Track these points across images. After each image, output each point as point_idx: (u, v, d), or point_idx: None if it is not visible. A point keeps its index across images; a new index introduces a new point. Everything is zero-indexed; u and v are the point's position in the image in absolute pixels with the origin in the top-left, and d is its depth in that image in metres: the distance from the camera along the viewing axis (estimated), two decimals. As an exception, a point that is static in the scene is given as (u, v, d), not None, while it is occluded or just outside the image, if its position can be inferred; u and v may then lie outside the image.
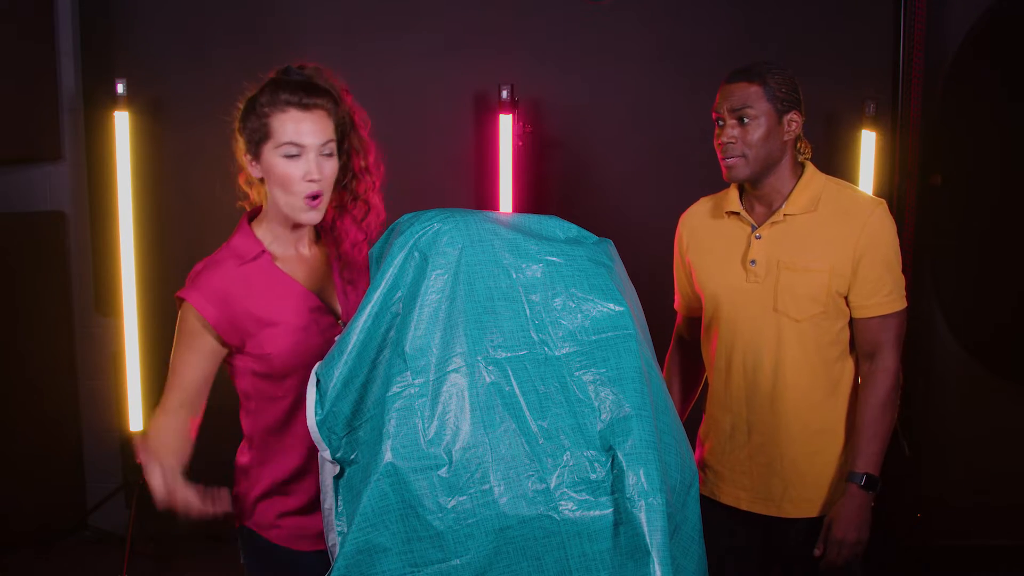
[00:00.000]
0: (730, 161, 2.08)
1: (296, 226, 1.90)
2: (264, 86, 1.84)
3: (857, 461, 2.07)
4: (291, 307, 1.87)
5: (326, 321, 1.90)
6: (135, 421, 3.70)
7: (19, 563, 3.69)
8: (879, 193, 3.44)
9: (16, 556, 3.72)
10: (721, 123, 2.10)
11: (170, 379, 1.87)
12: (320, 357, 1.78)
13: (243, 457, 1.98)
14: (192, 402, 1.89)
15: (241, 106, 1.87)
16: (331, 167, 1.84)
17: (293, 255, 1.93)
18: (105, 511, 3.86)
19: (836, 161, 3.47)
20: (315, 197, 1.81)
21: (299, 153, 1.80)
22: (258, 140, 1.82)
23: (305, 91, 1.82)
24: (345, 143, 1.89)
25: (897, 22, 3.50)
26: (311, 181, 1.80)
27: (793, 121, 2.09)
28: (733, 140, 2.07)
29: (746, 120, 2.06)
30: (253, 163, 1.85)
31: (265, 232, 1.91)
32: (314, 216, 1.83)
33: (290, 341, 1.85)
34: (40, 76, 3.69)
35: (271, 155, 1.81)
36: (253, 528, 1.95)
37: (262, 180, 1.87)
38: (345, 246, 1.95)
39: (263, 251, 1.88)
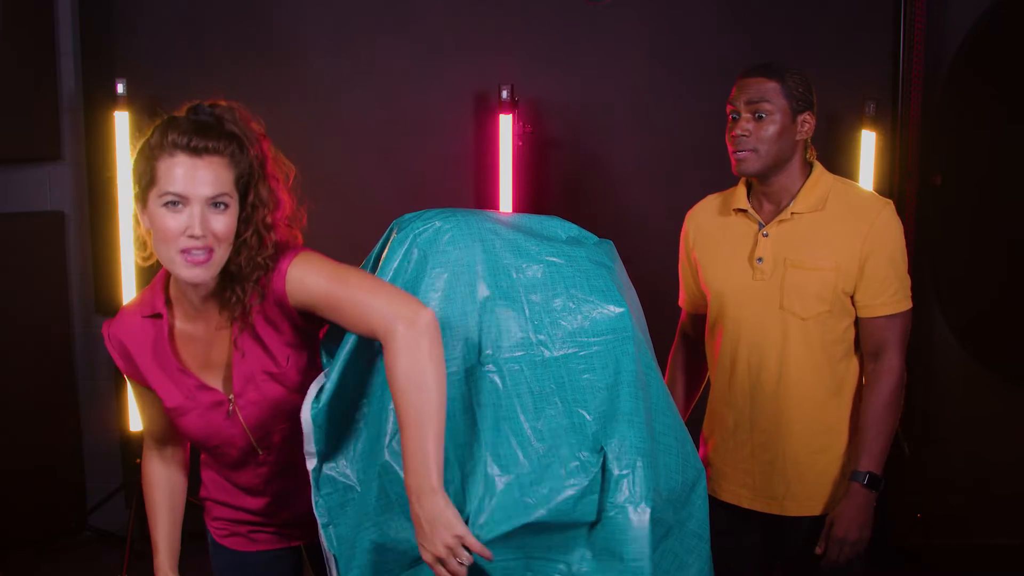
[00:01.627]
0: (741, 154, 2.08)
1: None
2: (156, 126, 1.62)
3: (860, 460, 2.07)
4: (171, 383, 1.73)
5: (208, 399, 1.73)
6: (135, 421, 3.70)
7: (19, 563, 3.69)
8: (879, 193, 3.44)
9: (16, 556, 3.71)
10: (736, 116, 2.10)
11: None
12: (203, 431, 1.75)
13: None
14: (167, 438, 1.90)
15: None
16: (223, 223, 1.58)
17: (193, 314, 1.72)
18: (105, 511, 3.86)
19: (836, 161, 3.47)
20: (199, 253, 1.57)
21: (182, 204, 1.56)
22: (144, 186, 1.60)
23: (198, 133, 1.58)
24: (250, 195, 1.63)
25: (897, 22, 3.50)
26: (191, 237, 1.55)
27: (806, 122, 2.10)
28: (747, 133, 2.07)
29: (762, 115, 2.06)
30: (142, 211, 1.62)
31: (175, 285, 1.72)
32: (197, 274, 1.58)
33: (171, 410, 1.75)
34: (40, 76, 3.69)
35: (154, 204, 1.58)
36: (205, 519, 1.99)
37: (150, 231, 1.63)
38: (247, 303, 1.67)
39: (161, 314, 1.71)
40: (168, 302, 1.73)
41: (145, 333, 1.73)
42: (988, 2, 3.50)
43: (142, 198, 1.61)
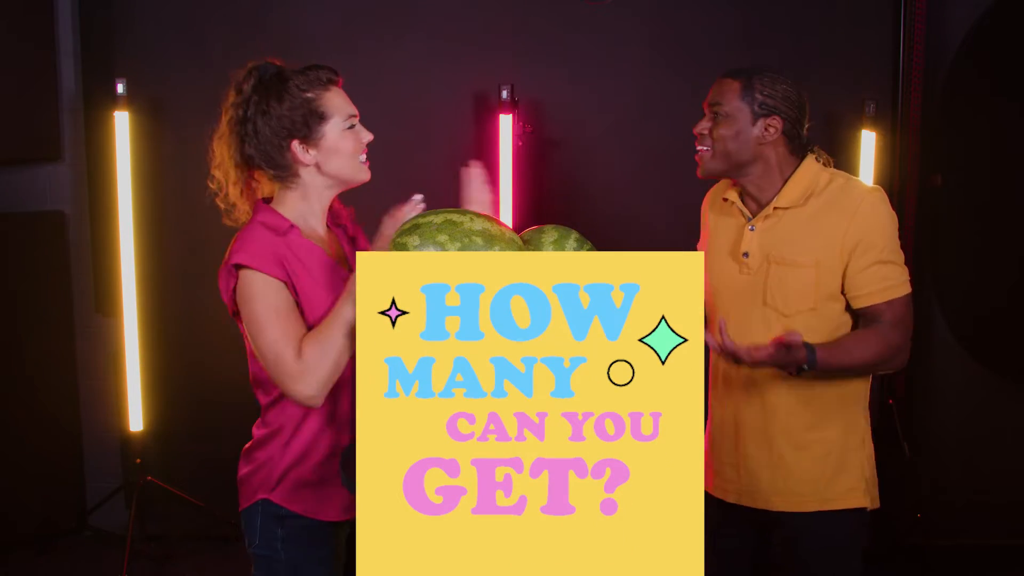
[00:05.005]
0: (698, 153, 2.13)
1: (339, 192, 1.98)
2: (289, 74, 1.88)
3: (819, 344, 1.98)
4: (325, 275, 1.90)
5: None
6: (135, 421, 3.70)
7: (19, 563, 3.69)
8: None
9: (16, 556, 3.71)
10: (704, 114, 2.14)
11: (273, 339, 1.80)
12: None
13: (261, 429, 1.97)
14: None
15: (243, 109, 1.89)
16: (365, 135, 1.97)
17: (314, 234, 1.96)
18: (105, 511, 3.86)
19: (836, 161, 3.46)
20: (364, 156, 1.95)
21: (356, 123, 1.93)
22: (314, 125, 1.88)
23: (329, 70, 1.93)
24: None
25: (897, 22, 3.50)
26: (366, 144, 1.95)
27: (771, 127, 2.07)
28: (703, 132, 2.12)
29: (719, 116, 2.09)
30: (304, 148, 1.88)
31: (290, 212, 1.94)
32: (369, 174, 1.97)
33: (329, 306, 1.85)
34: (40, 76, 3.69)
35: (335, 131, 1.89)
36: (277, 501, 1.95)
37: (317, 166, 1.90)
38: (349, 228, 2.06)
39: (292, 226, 1.91)
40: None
41: (286, 247, 1.87)
42: (988, 1, 3.50)
43: (307, 134, 1.87)
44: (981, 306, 3.67)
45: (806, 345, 1.94)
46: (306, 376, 1.76)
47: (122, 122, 3.55)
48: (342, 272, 1.93)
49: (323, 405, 1.87)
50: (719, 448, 2.20)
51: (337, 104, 1.90)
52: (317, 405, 1.80)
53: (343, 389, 1.91)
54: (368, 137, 1.94)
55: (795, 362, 1.94)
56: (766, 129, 2.07)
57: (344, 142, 1.90)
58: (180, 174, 3.71)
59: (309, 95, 1.87)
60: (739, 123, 2.07)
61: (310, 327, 1.84)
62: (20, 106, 3.62)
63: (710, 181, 2.26)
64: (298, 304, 1.85)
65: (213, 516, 3.71)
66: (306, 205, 1.95)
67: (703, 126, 2.12)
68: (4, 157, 3.66)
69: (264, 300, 1.80)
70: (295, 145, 1.88)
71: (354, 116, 1.92)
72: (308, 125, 1.87)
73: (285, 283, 1.83)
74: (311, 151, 1.89)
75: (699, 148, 2.13)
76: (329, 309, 1.83)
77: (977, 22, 3.51)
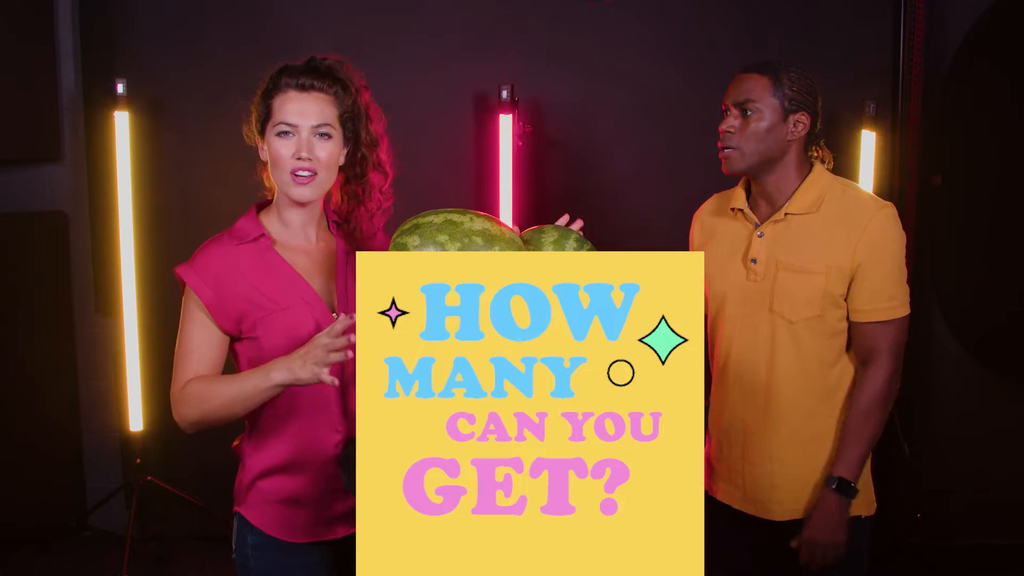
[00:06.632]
0: (726, 152, 2.07)
1: (299, 206, 1.91)
2: (272, 74, 1.89)
3: (835, 465, 2.05)
4: (280, 289, 1.88)
5: (318, 309, 1.90)
6: (135, 421, 3.70)
7: (19, 563, 3.69)
8: (879, 193, 3.44)
9: (16, 556, 3.72)
10: (726, 112, 2.09)
11: (178, 359, 1.87)
12: (310, 335, 1.82)
13: (239, 442, 2.00)
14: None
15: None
16: (326, 149, 1.85)
17: (297, 244, 1.94)
18: (105, 511, 3.86)
19: (836, 161, 3.44)
20: (305, 173, 1.83)
21: (291, 132, 1.83)
22: (262, 122, 1.88)
23: (306, 74, 1.86)
24: (360, 133, 1.92)
25: (897, 22, 3.50)
26: (299, 159, 1.82)
27: (800, 122, 2.05)
28: (732, 130, 2.06)
29: (749, 112, 2.04)
30: (262, 147, 1.90)
31: (272, 220, 1.94)
32: (304, 192, 1.85)
33: (277, 323, 1.86)
34: (40, 76, 3.69)
35: (269, 135, 1.86)
36: (243, 514, 1.97)
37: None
38: (358, 237, 1.98)
39: (262, 234, 1.90)
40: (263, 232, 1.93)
41: (245, 257, 1.88)
42: (988, 1, 3.50)
43: (262, 133, 1.88)
44: (981, 306, 3.67)
45: (839, 481, 2.03)
46: (177, 405, 1.84)
47: (122, 122, 3.55)
48: (302, 285, 1.90)
49: (290, 431, 1.89)
50: (728, 456, 2.19)
51: (284, 109, 1.84)
52: (187, 432, 1.85)
53: (313, 421, 1.91)
54: (300, 152, 1.82)
55: (846, 518, 2.05)
56: (795, 125, 2.06)
57: (271, 148, 1.86)
58: (180, 174, 3.72)
59: (270, 93, 1.87)
60: (772, 119, 2.04)
61: (241, 329, 1.86)
62: (20, 106, 3.62)
63: (711, 181, 2.26)
64: (235, 309, 1.86)
65: (213, 516, 3.71)
66: (281, 213, 1.94)
67: (731, 123, 2.06)
68: (4, 157, 3.66)
69: (188, 316, 1.87)
70: (260, 145, 1.91)
71: (289, 125, 1.83)
72: (261, 124, 1.89)
73: (208, 308, 1.84)
74: (264, 150, 1.90)
75: (725, 147, 2.07)
76: (281, 315, 1.84)
77: (977, 22, 3.51)
